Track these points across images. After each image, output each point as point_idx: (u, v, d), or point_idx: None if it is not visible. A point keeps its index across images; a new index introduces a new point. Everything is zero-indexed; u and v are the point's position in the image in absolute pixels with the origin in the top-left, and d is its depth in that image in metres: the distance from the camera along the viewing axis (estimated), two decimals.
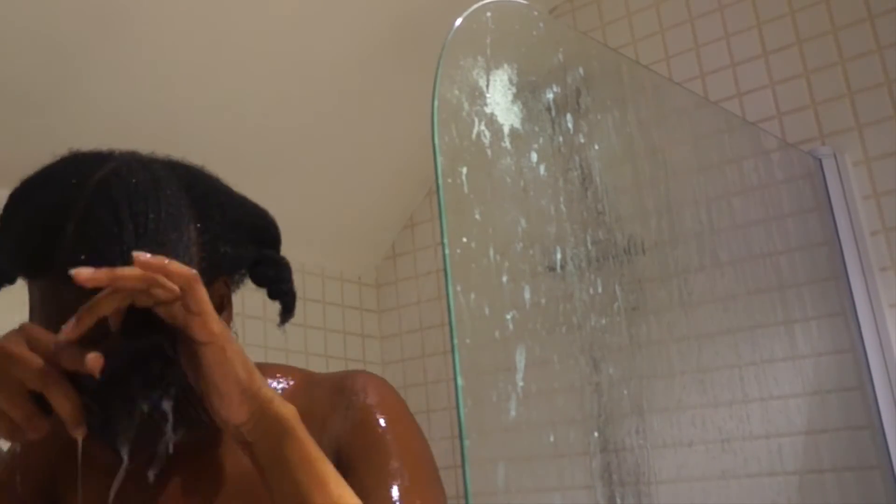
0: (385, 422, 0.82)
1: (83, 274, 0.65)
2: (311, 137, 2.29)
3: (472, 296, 0.89)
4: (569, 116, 1.23)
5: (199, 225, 0.80)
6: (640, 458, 1.83)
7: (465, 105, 0.98)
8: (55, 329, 0.68)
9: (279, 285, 0.89)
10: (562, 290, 1.19)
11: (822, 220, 2.04)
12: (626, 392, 1.45)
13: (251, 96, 2.12)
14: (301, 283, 2.61)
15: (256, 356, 0.93)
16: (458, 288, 0.88)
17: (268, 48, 2.07)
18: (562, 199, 1.17)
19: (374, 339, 2.63)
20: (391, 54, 2.19)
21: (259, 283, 0.89)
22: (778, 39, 2.18)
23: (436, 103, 0.90)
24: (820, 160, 2.06)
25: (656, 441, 1.87)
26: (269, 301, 2.63)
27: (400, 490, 0.77)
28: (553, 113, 1.20)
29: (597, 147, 1.29)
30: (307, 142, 2.30)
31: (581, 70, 1.24)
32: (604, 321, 1.38)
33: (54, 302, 0.74)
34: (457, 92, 0.98)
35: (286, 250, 2.67)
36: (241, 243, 0.85)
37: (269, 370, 0.92)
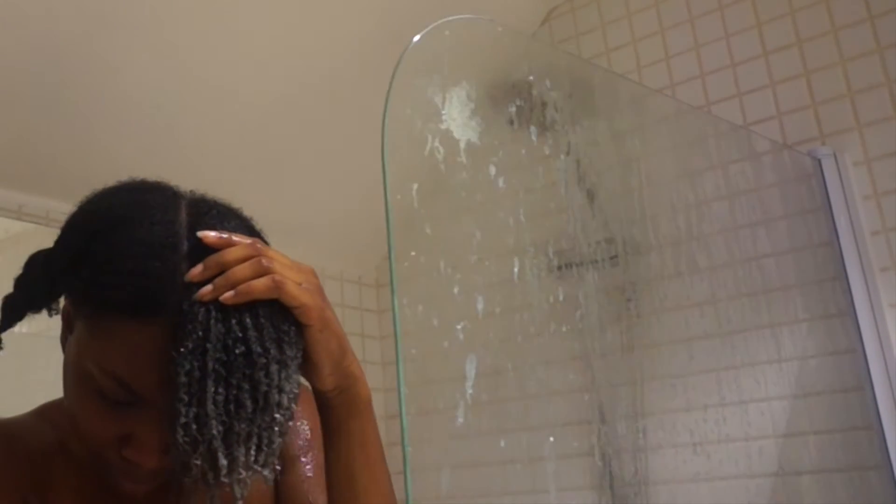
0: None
1: (209, 237, 0.75)
2: (310, 138, 2.31)
3: (420, 307, 0.93)
4: (533, 129, 1.25)
5: None
6: (640, 460, 1.85)
7: (419, 122, 1.01)
8: (125, 367, 0.72)
9: None
10: (519, 300, 1.22)
11: (823, 220, 2.04)
12: (606, 397, 1.47)
13: (251, 96, 2.15)
14: None
15: None
16: (405, 301, 0.92)
17: (267, 47, 2.09)
18: (521, 211, 1.20)
19: (374, 339, 2.66)
20: (392, 54, 2.21)
21: None
22: (778, 39, 2.17)
23: (386, 121, 0.93)
24: (820, 160, 2.05)
25: (652, 443, 1.89)
26: None
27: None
28: (516, 125, 1.22)
29: (563, 157, 1.31)
30: (307, 142, 2.32)
31: (548, 83, 1.26)
32: (581, 327, 1.41)
33: (128, 342, 0.73)
34: (409, 111, 1.01)
35: (287, 250, 2.71)
36: None
37: None
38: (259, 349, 0.71)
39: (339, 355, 0.79)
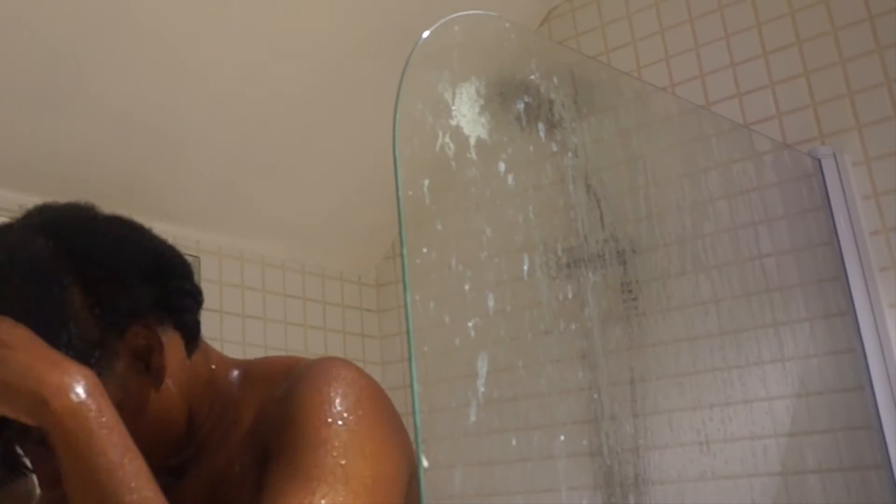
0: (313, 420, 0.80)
1: None
2: (311, 137, 2.31)
3: (432, 304, 0.92)
4: (541, 126, 1.24)
5: (83, 285, 0.82)
6: (647, 459, 1.85)
7: (430, 117, 1.01)
8: None
9: (180, 316, 0.89)
10: (529, 298, 1.22)
11: (822, 220, 2.04)
12: (611, 395, 1.47)
13: (252, 95, 2.14)
14: (301, 283, 2.66)
15: (256, 355, 0.96)
16: (417, 297, 0.91)
17: (268, 48, 2.09)
18: (531, 208, 1.19)
19: (374, 339, 2.66)
20: (390, 53, 2.21)
21: (169, 315, 0.88)
22: (778, 39, 2.18)
23: (398, 116, 0.93)
24: (819, 160, 2.05)
25: (659, 442, 1.89)
26: (268, 301, 2.66)
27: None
28: (524, 122, 1.22)
29: (571, 155, 1.31)
30: (307, 142, 2.31)
31: (556, 80, 1.26)
32: (590, 325, 1.40)
33: None
34: (420, 106, 1.00)
35: (288, 250, 2.71)
36: (137, 287, 0.86)
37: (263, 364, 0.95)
38: None
39: (8, 394, 0.74)
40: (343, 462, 0.76)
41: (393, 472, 0.82)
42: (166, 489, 0.85)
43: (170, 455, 0.89)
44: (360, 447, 0.79)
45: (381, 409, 0.85)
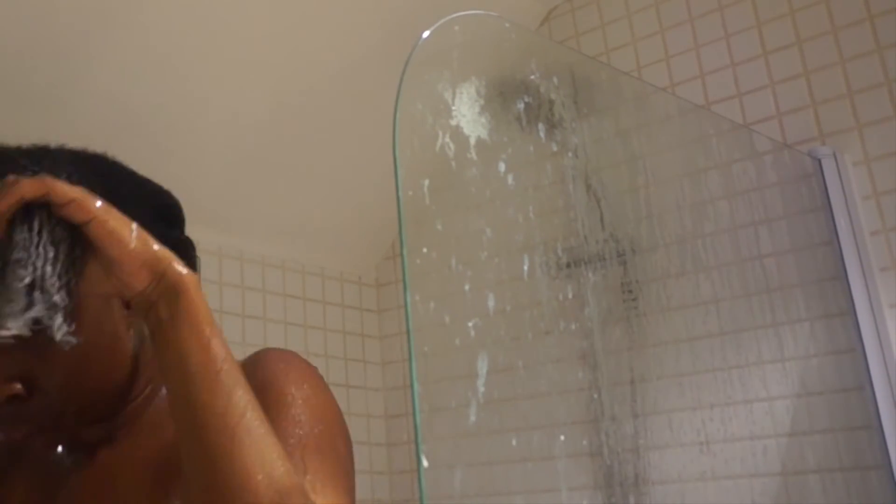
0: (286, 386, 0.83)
1: None
2: (311, 137, 2.32)
3: (432, 304, 0.92)
4: (541, 126, 1.25)
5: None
6: (646, 459, 1.86)
7: (430, 117, 1.01)
8: None
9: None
10: (529, 298, 1.22)
11: (823, 220, 2.04)
12: (611, 395, 1.48)
13: (252, 97, 2.15)
14: (301, 283, 2.66)
15: None
16: (417, 297, 0.92)
17: (269, 47, 2.09)
18: (531, 208, 1.19)
19: (374, 339, 2.66)
20: (390, 54, 2.21)
21: None
22: (778, 39, 2.18)
23: (398, 116, 0.93)
24: (819, 160, 2.05)
25: (659, 442, 1.89)
26: (268, 301, 2.66)
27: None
28: (524, 122, 1.22)
29: (571, 155, 1.31)
30: (307, 142, 2.32)
31: (556, 80, 1.26)
32: (590, 325, 1.41)
33: None
34: (420, 107, 1.00)
35: (288, 250, 2.71)
36: (147, 220, 0.86)
37: None
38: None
39: (143, 244, 0.76)
40: (319, 413, 0.81)
41: (350, 448, 0.86)
42: (76, 466, 0.87)
43: (96, 412, 0.88)
44: (328, 411, 0.84)
45: (330, 392, 0.89)
